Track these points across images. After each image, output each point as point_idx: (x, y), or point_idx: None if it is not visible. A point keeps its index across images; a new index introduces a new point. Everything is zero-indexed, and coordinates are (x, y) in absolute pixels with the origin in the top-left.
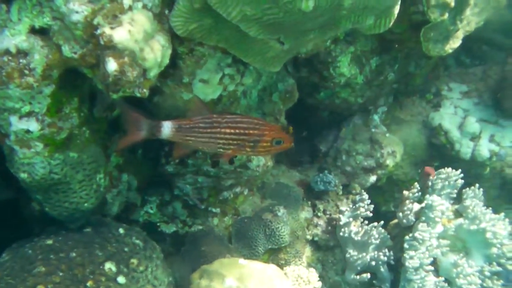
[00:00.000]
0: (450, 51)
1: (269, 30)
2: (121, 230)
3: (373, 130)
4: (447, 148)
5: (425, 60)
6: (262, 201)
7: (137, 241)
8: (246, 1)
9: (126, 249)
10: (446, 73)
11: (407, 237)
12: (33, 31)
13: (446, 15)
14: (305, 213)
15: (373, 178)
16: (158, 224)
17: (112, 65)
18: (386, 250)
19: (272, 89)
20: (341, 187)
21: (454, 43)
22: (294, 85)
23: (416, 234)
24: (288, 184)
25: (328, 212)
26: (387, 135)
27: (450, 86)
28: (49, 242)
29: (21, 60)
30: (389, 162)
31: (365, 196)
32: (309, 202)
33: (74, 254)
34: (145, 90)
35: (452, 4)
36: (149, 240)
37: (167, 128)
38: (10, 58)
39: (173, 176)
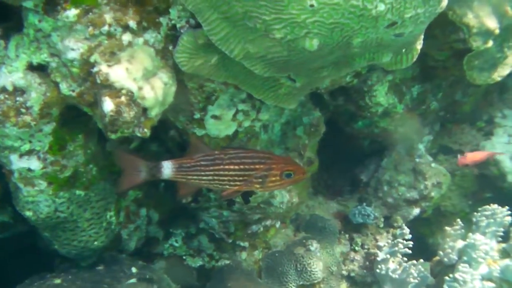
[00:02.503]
0: (499, 79)
1: (275, 68)
2: (133, 269)
3: (417, 160)
4: (499, 179)
5: (473, 88)
6: (295, 234)
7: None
8: (248, 39)
9: None
10: (506, 96)
11: (447, 278)
12: (31, 67)
13: (491, 43)
14: (342, 247)
15: (416, 211)
16: (184, 257)
17: (108, 105)
18: None
19: (296, 123)
20: (382, 220)
21: (504, 71)
22: (320, 118)
23: (457, 275)
24: (324, 216)
25: (366, 246)
26: (433, 165)
27: (505, 113)
28: (58, 281)
29: (17, 98)
30: (434, 194)
31: (406, 230)
32: (347, 235)
33: None
34: (145, 130)
35: (497, 31)
36: (165, 279)
37: (167, 169)
38: (6, 96)
39: (197, 210)
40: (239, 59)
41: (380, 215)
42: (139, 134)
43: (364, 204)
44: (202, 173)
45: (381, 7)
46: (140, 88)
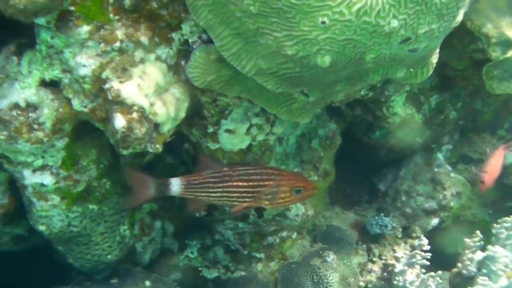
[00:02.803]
0: None
1: (288, 84)
2: (147, 283)
3: (435, 169)
4: None
5: (493, 97)
6: (312, 245)
7: None
8: (260, 55)
9: None
10: None
11: None
12: (44, 84)
13: (511, 53)
14: (359, 257)
15: (435, 221)
16: (199, 268)
17: (119, 122)
18: None
19: (311, 135)
20: (400, 230)
21: None
22: (336, 130)
23: None
24: (341, 227)
25: (384, 257)
26: (452, 174)
27: None
28: None
29: (30, 114)
30: (454, 204)
31: (425, 241)
32: (364, 246)
33: None
34: (157, 146)
35: None
36: None
37: (175, 186)
38: (19, 112)
39: (213, 222)
40: (251, 75)
41: (398, 225)
42: (151, 150)
43: (382, 214)
44: (211, 190)
45: (394, 23)
46: (151, 104)
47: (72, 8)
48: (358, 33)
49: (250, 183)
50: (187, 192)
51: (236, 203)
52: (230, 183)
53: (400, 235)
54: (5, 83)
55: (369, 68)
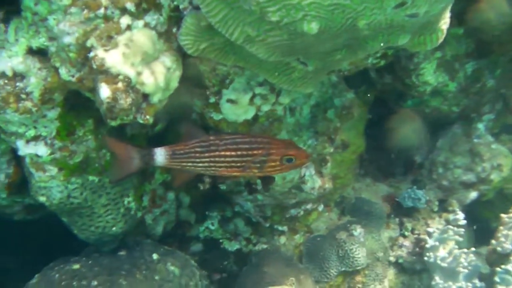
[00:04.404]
0: None
1: (279, 52)
2: (154, 256)
3: (475, 140)
4: None
5: None
6: (340, 218)
7: (172, 268)
8: (246, 22)
9: (156, 277)
10: None
11: (499, 269)
12: (31, 52)
13: None
14: (390, 231)
15: (473, 194)
16: (221, 240)
17: (104, 92)
18: (477, 281)
19: (327, 105)
20: (436, 203)
21: None
22: (353, 100)
23: (509, 267)
24: (370, 199)
25: (416, 232)
26: (494, 146)
27: None
28: (76, 266)
29: (17, 84)
30: (494, 176)
31: (460, 216)
32: (397, 219)
33: (95, 283)
34: (148, 117)
35: None
36: (189, 265)
37: (160, 156)
38: (6, 81)
39: (230, 193)
40: (240, 43)
41: (434, 199)
42: (141, 121)
43: (415, 187)
44: (197, 160)
45: None
46: (138, 73)
47: None
48: None
49: (238, 152)
50: (173, 162)
51: (225, 173)
52: (217, 153)
53: (436, 209)
54: None
55: (366, 35)
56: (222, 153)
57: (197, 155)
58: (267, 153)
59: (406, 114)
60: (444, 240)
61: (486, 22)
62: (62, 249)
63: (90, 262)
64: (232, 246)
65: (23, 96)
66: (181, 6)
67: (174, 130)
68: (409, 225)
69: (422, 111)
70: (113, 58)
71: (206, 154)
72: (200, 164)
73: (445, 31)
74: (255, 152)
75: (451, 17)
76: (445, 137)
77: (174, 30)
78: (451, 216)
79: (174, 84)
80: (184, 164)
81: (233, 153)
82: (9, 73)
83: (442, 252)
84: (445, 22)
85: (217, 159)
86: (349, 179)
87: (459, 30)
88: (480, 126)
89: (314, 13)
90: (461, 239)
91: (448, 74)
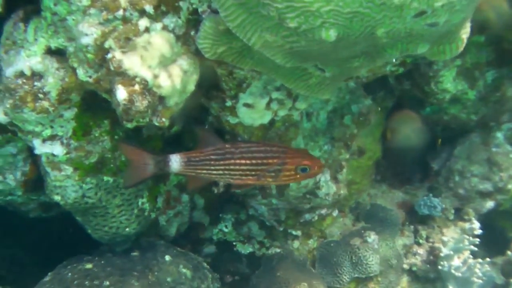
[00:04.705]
0: None
1: (297, 58)
2: (167, 258)
3: (493, 149)
4: None
5: None
6: (354, 223)
7: (184, 270)
8: (265, 27)
9: (168, 279)
10: None
11: None
12: (50, 52)
13: None
14: (405, 239)
15: (490, 204)
16: (234, 243)
17: (121, 94)
18: None
19: (344, 111)
20: (452, 212)
21: None
22: (370, 106)
23: None
24: (386, 206)
25: (431, 240)
26: None
27: None
28: (89, 266)
29: (35, 83)
30: (511, 186)
31: (476, 225)
32: (412, 227)
33: (107, 283)
34: (164, 120)
35: None
36: (202, 268)
37: (175, 162)
38: (24, 80)
39: (245, 196)
40: (257, 48)
41: (450, 207)
42: (156, 124)
43: (431, 194)
44: (212, 167)
45: None
46: (155, 76)
47: None
48: (364, 6)
49: (253, 161)
50: (188, 169)
51: (239, 181)
52: (232, 161)
53: (451, 217)
54: (12, 50)
55: (385, 43)
56: (237, 161)
57: (212, 162)
58: (282, 162)
59: (406, 114)
60: (459, 250)
61: (486, 22)
62: (77, 247)
63: (102, 262)
64: (245, 249)
65: (41, 95)
66: (199, 10)
67: (191, 132)
68: (424, 233)
69: (441, 119)
70: (131, 60)
71: (221, 162)
72: (215, 172)
73: (465, 41)
74: (270, 161)
75: (472, 25)
76: (463, 145)
77: (192, 33)
78: (466, 225)
79: (191, 87)
80: (199, 171)
81: (248, 161)
82: (27, 72)
83: (456, 261)
84: (465, 32)
85: (232, 167)
86: (364, 185)
87: (480, 38)
88: (499, 135)
89: (332, 20)
90: (475, 249)
91: (468, 82)
